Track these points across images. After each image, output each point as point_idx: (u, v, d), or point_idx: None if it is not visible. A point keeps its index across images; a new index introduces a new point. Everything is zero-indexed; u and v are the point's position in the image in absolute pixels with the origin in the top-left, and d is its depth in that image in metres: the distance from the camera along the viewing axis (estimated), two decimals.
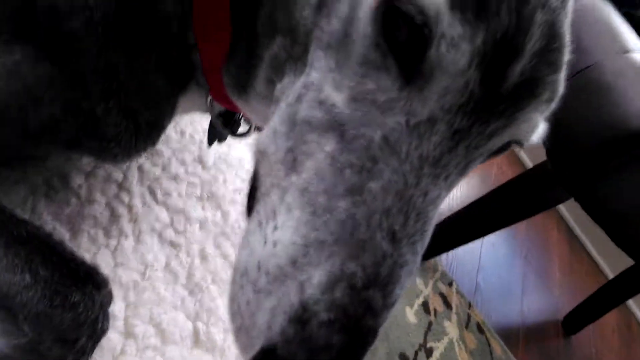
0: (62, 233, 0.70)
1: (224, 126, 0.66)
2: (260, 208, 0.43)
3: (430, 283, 1.36)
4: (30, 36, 0.53)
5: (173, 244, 0.79)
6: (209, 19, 0.54)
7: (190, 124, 0.95)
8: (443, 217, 1.40)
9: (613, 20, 1.22)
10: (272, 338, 0.36)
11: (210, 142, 0.75)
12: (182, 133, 0.93)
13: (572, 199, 1.17)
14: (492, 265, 1.71)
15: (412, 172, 0.38)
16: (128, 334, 0.67)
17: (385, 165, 0.38)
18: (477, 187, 1.86)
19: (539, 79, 0.39)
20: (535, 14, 0.37)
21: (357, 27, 0.40)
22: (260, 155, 0.47)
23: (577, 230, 2.51)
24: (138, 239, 0.76)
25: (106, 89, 0.54)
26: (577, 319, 1.75)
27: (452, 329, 1.30)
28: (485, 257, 1.69)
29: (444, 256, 1.49)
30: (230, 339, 0.73)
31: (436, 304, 1.32)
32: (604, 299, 1.67)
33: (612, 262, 2.40)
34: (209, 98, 0.63)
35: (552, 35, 0.39)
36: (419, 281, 1.32)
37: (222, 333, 0.75)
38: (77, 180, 0.75)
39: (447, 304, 1.36)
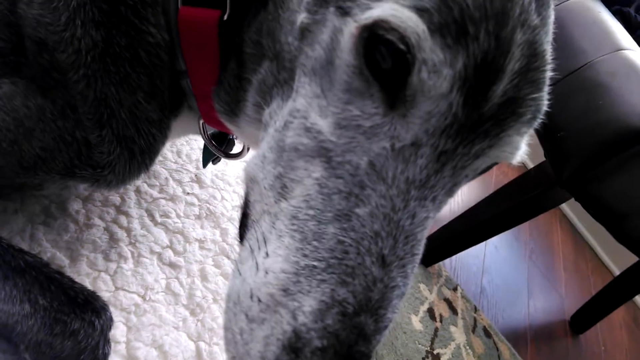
0: (61, 259, 0.70)
1: (217, 148, 0.66)
2: (252, 235, 0.44)
3: (435, 289, 1.35)
4: (20, 70, 0.54)
5: (173, 265, 0.80)
6: (197, 46, 0.54)
7: (187, 143, 0.96)
8: (445, 222, 1.40)
9: (604, 19, 1.22)
10: None
11: (205, 164, 0.75)
12: (179, 153, 0.94)
13: (574, 198, 1.17)
14: (497, 268, 1.70)
15: (399, 195, 0.38)
16: (130, 357, 0.67)
17: (373, 191, 0.38)
18: (478, 190, 1.85)
19: (521, 98, 0.39)
20: (514, 34, 0.37)
21: (340, 55, 0.40)
22: (250, 182, 0.47)
23: (581, 229, 2.50)
24: (137, 262, 0.76)
25: (98, 119, 0.54)
26: (585, 318, 1.74)
27: (458, 334, 1.30)
28: (490, 260, 1.69)
29: (447, 261, 1.49)
30: None
31: (442, 309, 1.31)
32: (611, 296, 1.66)
33: (617, 259, 2.39)
34: (201, 121, 0.63)
35: (533, 54, 0.39)
36: (423, 287, 1.31)
37: (225, 352, 0.75)
38: (75, 206, 0.76)
39: (453, 309, 1.35)
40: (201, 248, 0.84)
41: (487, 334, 1.40)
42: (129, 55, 0.53)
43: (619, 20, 1.26)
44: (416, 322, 1.20)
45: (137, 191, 0.84)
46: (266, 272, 0.39)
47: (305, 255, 0.38)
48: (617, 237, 1.14)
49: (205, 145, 0.73)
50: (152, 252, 0.79)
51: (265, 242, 0.41)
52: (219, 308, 0.79)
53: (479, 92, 0.37)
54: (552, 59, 0.42)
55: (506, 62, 0.37)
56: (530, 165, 2.18)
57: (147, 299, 0.73)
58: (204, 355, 0.73)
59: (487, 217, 1.32)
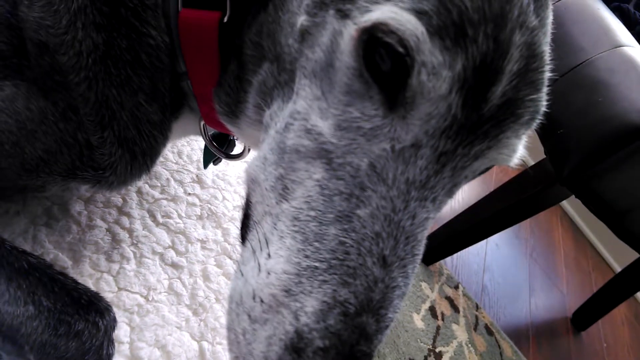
0: (64, 261, 0.70)
1: (218, 149, 0.67)
2: (253, 236, 0.44)
3: (436, 287, 1.35)
4: (22, 72, 0.54)
5: (175, 265, 0.80)
6: (198, 48, 0.54)
7: (188, 144, 0.96)
8: (446, 221, 1.40)
9: (603, 16, 1.22)
10: None
11: (206, 165, 0.75)
12: (180, 154, 0.94)
13: (574, 196, 1.17)
14: (498, 265, 1.71)
15: (400, 196, 0.39)
16: (134, 357, 0.68)
17: (373, 192, 0.39)
18: (479, 188, 1.86)
19: (520, 99, 0.40)
20: (513, 36, 0.38)
21: (339, 57, 0.40)
22: (251, 183, 0.47)
23: (582, 226, 2.50)
24: (140, 263, 0.77)
25: (100, 121, 0.55)
26: (586, 315, 1.74)
27: (460, 332, 1.30)
28: (491, 258, 1.69)
29: (448, 259, 1.49)
30: None
31: (443, 307, 1.32)
32: (612, 293, 1.66)
33: (618, 255, 2.39)
34: (202, 123, 0.63)
35: (532, 56, 0.39)
36: (424, 286, 1.32)
37: (228, 352, 0.75)
38: (77, 207, 0.76)
39: (455, 307, 1.36)
40: (203, 248, 0.85)
41: (489, 331, 1.40)
42: (130, 57, 0.53)
43: (618, 17, 1.26)
44: (418, 321, 1.20)
45: (139, 192, 0.84)
46: (268, 273, 0.39)
47: (306, 256, 0.38)
48: (617, 233, 1.14)
49: (206, 146, 0.74)
50: (154, 252, 0.79)
51: (267, 243, 0.41)
52: (221, 308, 0.79)
53: (478, 93, 0.37)
54: (551, 60, 0.42)
55: (505, 63, 0.37)
56: (531, 163, 2.18)
57: (150, 299, 0.74)
58: (207, 355, 0.73)
59: (488, 215, 1.32)
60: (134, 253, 0.77)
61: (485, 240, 1.67)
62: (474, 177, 0.45)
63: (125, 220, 0.79)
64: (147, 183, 0.86)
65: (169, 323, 0.73)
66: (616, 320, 2.01)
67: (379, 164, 0.39)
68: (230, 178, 0.98)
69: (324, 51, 0.41)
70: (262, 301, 0.39)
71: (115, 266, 0.74)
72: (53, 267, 0.59)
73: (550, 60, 0.43)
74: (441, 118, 0.38)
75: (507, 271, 1.74)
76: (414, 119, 0.39)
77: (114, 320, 0.61)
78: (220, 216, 0.91)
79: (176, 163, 0.92)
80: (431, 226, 0.42)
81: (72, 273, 0.69)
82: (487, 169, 0.46)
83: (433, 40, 0.36)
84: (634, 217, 1.08)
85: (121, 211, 0.80)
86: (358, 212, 0.38)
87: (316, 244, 0.38)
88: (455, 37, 0.36)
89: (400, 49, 0.36)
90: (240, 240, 0.51)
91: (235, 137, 0.71)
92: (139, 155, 0.60)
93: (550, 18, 0.43)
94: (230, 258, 0.86)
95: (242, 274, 0.42)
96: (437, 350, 1.18)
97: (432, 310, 1.27)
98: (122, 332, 0.68)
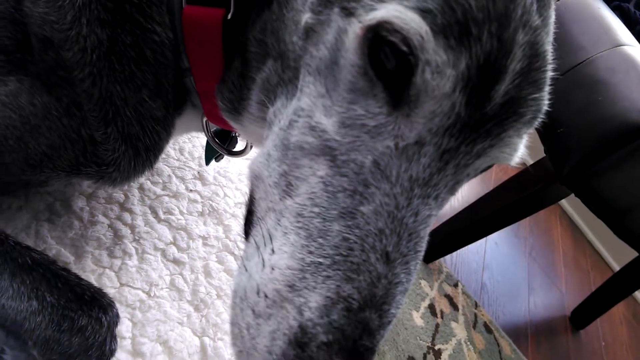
0: (66, 256, 0.71)
1: (220, 145, 0.67)
2: (257, 232, 0.44)
3: (436, 285, 1.36)
4: (26, 68, 0.54)
5: (177, 262, 0.80)
6: (201, 44, 0.54)
7: (189, 140, 0.96)
8: (445, 219, 1.41)
9: (604, 15, 1.22)
10: None
11: (207, 161, 0.75)
12: (181, 150, 0.94)
13: (574, 194, 1.17)
14: (497, 264, 1.71)
15: (403, 194, 0.39)
16: (136, 352, 0.68)
17: (377, 189, 0.39)
18: (479, 186, 1.86)
19: (522, 98, 0.40)
20: (516, 35, 0.38)
21: (344, 55, 0.40)
22: (255, 180, 0.48)
23: (581, 225, 2.50)
24: (142, 259, 0.77)
25: (103, 116, 0.55)
26: (585, 314, 1.74)
27: (459, 330, 1.30)
28: (490, 256, 1.69)
29: (448, 257, 1.50)
30: None
31: (442, 305, 1.32)
32: (611, 291, 1.67)
33: (616, 254, 2.39)
34: (204, 119, 0.63)
35: (534, 55, 0.40)
36: (424, 284, 1.32)
37: (229, 347, 0.75)
38: (79, 203, 0.76)
39: (454, 305, 1.36)
40: (204, 244, 0.85)
41: (488, 329, 1.40)
42: (134, 53, 0.53)
43: (618, 16, 1.26)
44: (417, 318, 1.21)
45: (141, 188, 0.84)
46: (272, 269, 0.40)
47: (310, 252, 0.39)
48: (617, 232, 1.14)
49: (208, 142, 0.74)
50: (156, 248, 0.79)
51: (270, 239, 0.42)
52: (222, 304, 0.79)
53: (481, 92, 0.38)
54: (553, 59, 0.43)
55: (508, 62, 0.38)
56: (530, 162, 2.18)
57: (152, 295, 0.74)
58: (208, 351, 0.74)
59: (487, 213, 1.33)
60: (136, 249, 0.77)
61: (484, 239, 1.67)
62: (475, 175, 0.45)
63: (127, 217, 0.80)
64: (149, 179, 0.86)
65: (171, 319, 0.73)
66: (615, 319, 2.01)
67: (383, 161, 0.40)
68: (232, 175, 0.99)
69: (329, 49, 0.42)
70: (266, 296, 0.39)
71: (117, 262, 0.74)
72: (56, 263, 0.59)
73: (553, 59, 0.43)
74: (445, 116, 0.38)
75: (506, 269, 1.75)
76: (418, 117, 0.39)
77: (117, 316, 0.61)
78: (221, 213, 0.91)
79: (178, 160, 0.93)
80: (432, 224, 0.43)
81: (75, 268, 0.69)
82: (487, 167, 0.46)
83: (437, 39, 0.36)
84: (633, 216, 1.09)
85: (123, 207, 0.81)
86: (362, 209, 0.39)
87: (320, 240, 0.39)
88: (459, 36, 0.36)
89: (404, 48, 0.37)
90: (244, 236, 0.51)
91: (237, 134, 0.71)
92: (142, 151, 0.60)
93: (552, 17, 0.44)
94: (232, 254, 0.86)
95: (246, 269, 0.43)
96: (436, 347, 1.19)
97: (431, 308, 1.28)
98: (124, 328, 0.68)
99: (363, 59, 0.39)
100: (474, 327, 1.36)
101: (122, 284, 0.73)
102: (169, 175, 0.89)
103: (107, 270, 0.73)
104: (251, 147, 0.71)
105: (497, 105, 0.39)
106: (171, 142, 0.87)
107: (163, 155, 0.87)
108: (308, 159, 0.42)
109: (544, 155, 1.20)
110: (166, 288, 0.76)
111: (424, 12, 0.36)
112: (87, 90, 0.53)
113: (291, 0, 0.47)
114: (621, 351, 1.90)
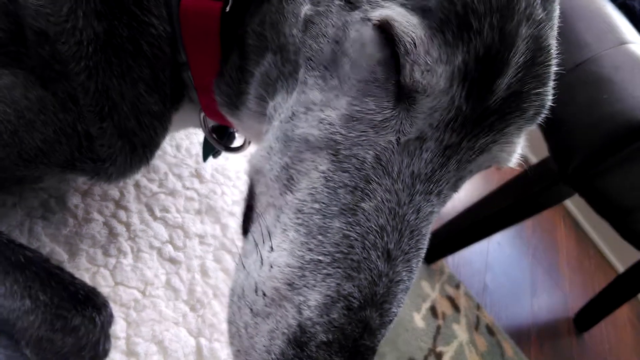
0: (60, 254, 0.69)
1: (217, 142, 0.66)
2: (256, 229, 0.44)
3: (437, 286, 1.34)
4: (20, 61, 0.53)
5: (173, 260, 0.79)
6: (199, 38, 0.54)
7: (186, 137, 0.95)
8: (448, 219, 1.39)
9: (609, 12, 1.21)
10: None
11: (205, 158, 0.75)
12: (178, 147, 0.93)
13: (578, 194, 1.16)
14: (500, 265, 1.70)
15: (405, 190, 0.39)
16: (130, 352, 0.67)
17: (378, 185, 0.39)
18: (481, 186, 1.84)
19: (525, 93, 0.40)
20: (519, 28, 0.37)
21: (355, 47, 0.40)
22: (255, 174, 0.47)
23: (585, 225, 2.49)
24: (137, 257, 0.76)
25: (99, 111, 0.54)
26: (589, 316, 1.73)
27: (461, 332, 1.29)
28: (493, 257, 1.68)
29: (450, 258, 1.48)
30: None
31: (444, 307, 1.31)
32: (615, 293, 1.65)
33: (621, 256, 2.38)
34: (202, 114, 0.62)
35: (538, 49, 0.39)
36: (425, 285, 1.31)
37: (225, 348, 0.74)
38: (74, 200, 0.75)
39: (455, 307, 1.35)
40: (201, 243, 0.84)
41: (491, 331, 1.39)
42: (131, 47, 0.53)
43: (623, 14, 1.25)
44: (418, 320, 1.20)
45: (137, 186, 0.83)
46: (271, 266, 0.39)
47: (310, 250, 0.38)
48: (621, 233, 1.13)
49: (205, 139, 0.73)
50: (151, 247, 0.78)
51: (269, 236, 0.41)
52: (219, 304, 0.78)
53: (483, 85, 0.37)
54: (557, 54, 0.42)
55: (511, 55, 0.37)
56: (534, 161, 2.17)
57: (147, 294, 0.73)
58: (204, 351, 0.72)
59: (490, 213, 1.32)
60: (131, 247, 0.76)
61: (487, 240, 1.66)
62: (477, 172, 0.45)
63: (122, 214, 0.79)
64: (145, 176, 0.85)
65: (166, 318, 0.72)
66: (619, 322, 2.00)
67: (385, 156, 0.39)
68: (230, 172, 0.98)
69: (331, 42, 0.41)
70: (264, 295, 0.39)
71: (112, 260, 0.73)
72: (50, 261, 0.58)
73: (557, 54, 0.43)
74: (445, 111, 0.38)
75: (509, 271, 1.73)
76: (417, 112, 0.39)
77: (111, 315, 0.60)
78: (219, 211, 0.90)
79: (175, 157, 0.92)
80: (433, 223, 0.42)
81: (69, 267, 0.68)
82: (487, 168, 0.46)
83: (433, 37, 0.36)
84: (638, 217, 1.08)
85: (118, 205, 0.79)
86: (363, 205, 0.38)
87: (320, 237, 0.38)
88: (457, 30, 0.36)
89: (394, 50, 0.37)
90: (242, 232, 0.50)
91: (235, 130, 0.70)
92: (138, 146, 0.59)
93: (557, 12, 0.43)
94: (229, 253, 0.85)
95: (244, 267, 0.42)
96: (437, 350, 1.18)
97: (432, 309, 1.26)
98: (118, 327, 0.67)
99: (381, 51, 0.39)
100: (476, 329, 1.35)
101: (116, 283, 0.72)
102: (166, 173, 0.88)
103: (102, 269, 0.72)
104: (249, 143, 0.70)
105: (500, 99, 0.38)
106: (168, 138, 0.86)
107: (159, 152, 0.86)
108: (311, 152, 0.41)
109: (548, 154, 1.18)
110: (162, 287, 0.75)
111: (424, 12, 0.37)
112: (82, 84, 0.52)
113: None
114: (625, 354, 1.88)
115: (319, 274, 0.37)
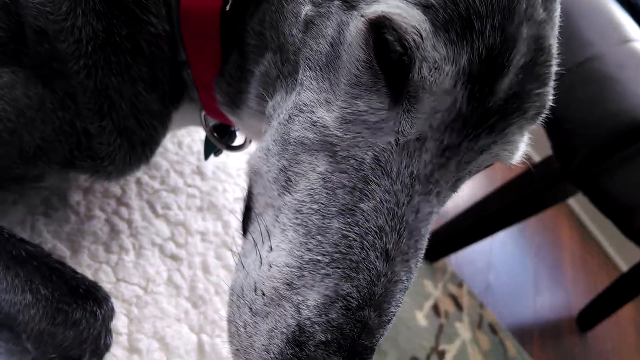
0: (62, 251, 0.70)
1: (218, 140, 0.66)
2: (255, 229, 0.44)
3: (440, 285, 1.34)
4: (20, 59, 0.54)
5: (174, 257, 0.79)
6: (199, 37, 0.54)
7: (188, 134, 0.96)
8: (450, 217, 1.39)
9: (612, 10, 1.20)
10: None
11: (206, 156, 0.75)
12: (180, 144, 0.93)
13: (581, 192, 1.15)
14: (503, 263, 1.69)
15: (404, 190, 0.39)
16: (132, 349, 0.67)
17: (377, 185, 0.39)
18: (484, 184, 1.84)
19: (526, 93, 0.40)
20: (520, 28, 0.37)
21: (347, 49, 0.40)
22: (253, 175, 0.47)
23: (588, 224, 2.47)
24: (139, 254, 0.76)
25: (98, 109, 0.54)
26: (592, 315, 1.72)
27: (464, 330, 1.29)
28: (496, 255, 1.67)
29: (452, 257, 1.48)
30: None
31: (447, 305, 1.31)
32: (619, 292, 1.65)
33: (625, 254, 2.37)
34: (203, 113, 0.63)
35: (539, 49, 0.39)
36: (428, 283, 1.31)
37: (227, 344, 0.74)
38: (76, 197, 0.76)
39: (458, 305, 1.34)
40: (203, 240, 0.84)
41: (493, 330, 1.39)
42: (130, 45, 0.53)
43: (627, 12, 1.24)
44: (421, 318, 1.20)
45: (138, 183, 0.83)
46: (270, 266, 0.39)
47: (309, 250, 0.38)
48: (625, 231, 1.13)
49: (206, 137, 0.73)
50: (153, 244, 0.78)
51: (268, 236, 0.42)
52: (220, 300, 0.78)
53: (484, 86, 0.37)
54: (558, 54, 0.42)
55: (512, 56, 0.37)
56: (537, 159, 2.16)
57: (149, 290, 0.73)
58: (205, 348, 0.73)
59: (493, 211, 1.32)
60: (133, 244, 0.76)
61: (490, 238, 1.65)
62: (477, 172, 0.45)
63: (124, 211, 0.79)
64: (146, 174, 0.85)
65: (168, 315, 0.73)
66: (622, 321, 1.99)
67: (383, 157, 0.39)
68: (231, 170, 0.98)
69: (329, 43, 0.41)
70: (263, 294, 0.39)
71: (114, 257, 0.74)
72: (51, 256, 0.59)
73: (558, 54, 0.43)
74: (446, 112, 0.38)
75: (512, 269, 1.73)
76: (419, 112, 0.38)
77: (112, 309, 0.60)
78: (220, 208, 0.90)
79: (176, 154, 0.92)
80: (435, 222, 0.42)
81: (71, 263, 0.68)
82: (488, 165, 0.46)
83: (438, 34, 0.36)
84: None
85: (120, 202, 0.80)
86: (361, 206, 0.38)
87: (319, 237, 0.38)
88: (461, 30, 0.36)
89: (399, 48, 0.37)
90: (242, 232, 0.50)
91: (236, 128, 0.70)
92: (137, 145, 0.59)
93: (558, 11, 0.43)
94: (230, 250, 0.85)
95: (244, 267, 0.42)
96: (439, 348, 1.18)
97: (435, 308, 1.26)
98: (120, 323, 0.68)
99: (368, 52, 0.39)
100: (479, 327, 1.35)
101: (118, 280, 0.72)
102: (167, 170, 0.89)
103: (104, 266, 0.72)
104: (250, 141, 0.70)
105: (500, 100, 0.38)
106: (169, 136, 0.87)
107: (161, 149, 0.87)
108: (308, 155, 0.41)
109: (551, 152, 1.18)
110: (163, 284, 0.75)
111: (425, 8, 0.36)
112: (81, 82, 0.53)
113: None
114: (628, 354, 1.88)
115: (318, 273, 0.37)
